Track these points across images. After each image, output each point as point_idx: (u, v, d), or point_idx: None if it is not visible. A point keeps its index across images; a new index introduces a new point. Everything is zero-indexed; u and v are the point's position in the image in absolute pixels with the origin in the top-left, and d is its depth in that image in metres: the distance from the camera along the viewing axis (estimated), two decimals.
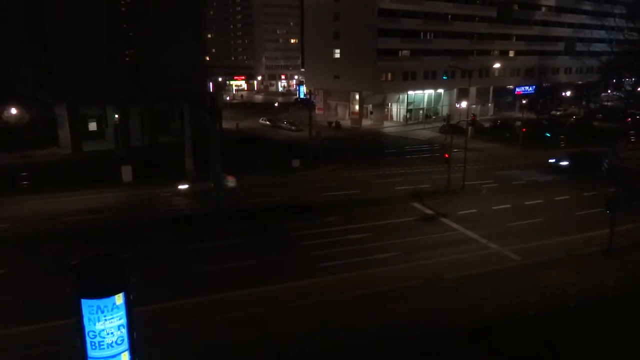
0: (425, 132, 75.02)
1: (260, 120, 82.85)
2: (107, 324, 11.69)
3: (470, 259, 27.98)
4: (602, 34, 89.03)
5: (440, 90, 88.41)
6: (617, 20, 79.75)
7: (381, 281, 24.98)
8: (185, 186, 41.45)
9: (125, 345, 12.06)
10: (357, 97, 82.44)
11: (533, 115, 77.08)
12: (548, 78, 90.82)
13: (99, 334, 11.71)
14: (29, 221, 34.14)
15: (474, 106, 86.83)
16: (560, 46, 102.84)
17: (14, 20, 66.57)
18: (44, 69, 58.92)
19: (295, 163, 50.00)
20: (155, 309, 20.59)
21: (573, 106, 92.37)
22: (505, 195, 40.98)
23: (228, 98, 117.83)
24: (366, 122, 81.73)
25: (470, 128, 70.44)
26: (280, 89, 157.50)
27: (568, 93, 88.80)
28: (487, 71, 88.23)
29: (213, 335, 19.97)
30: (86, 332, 11.72)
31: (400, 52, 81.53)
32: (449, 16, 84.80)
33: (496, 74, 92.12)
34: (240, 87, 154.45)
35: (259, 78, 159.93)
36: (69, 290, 11.47)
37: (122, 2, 59.92)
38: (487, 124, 78.77)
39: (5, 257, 27.60)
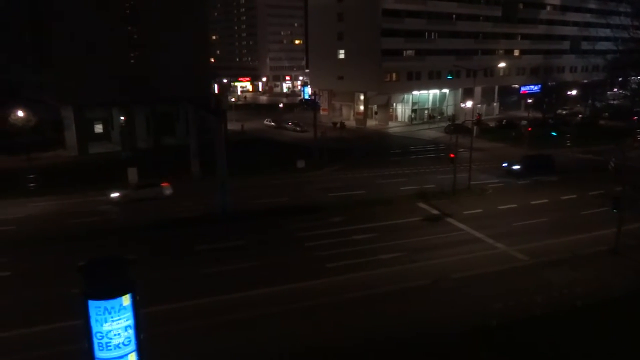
0: (430, 132, 74.90)
1: (265, 122, 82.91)
2: (114, 325, 11.73)
3: (476, 259, 27.90)
4: (607, 32, 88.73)
5: (445, 90, 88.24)
6: (622, 19, 79.49)
7: (387, 281, 24.95)
8: (117, 194, 38.95)
9: (133, 346, 12.10)
10: (362, 97, 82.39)
11: (539, 115, 76.79)
12: (553, 77, 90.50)
13: (106, 335, 11.75)
14: (35, 223, 34.37)
15: (479, 106, 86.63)
16: (566, 45, 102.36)
17: (17, 24, 67.03)
18: (49, 71, 59.19)
19: (300, 164, 50.03)
20: (161, 310, 20.66)
21: (579, 105, 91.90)
22: (511, 194, 40.86)
23: (233, 99, 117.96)
24: (371, 123, 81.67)
25: (475, 128, 70.28)
26: (285, 90, 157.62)
27: (574, 92, 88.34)
28: (492, 70, 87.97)
29: (220, 336, 20.00)
30: (93, 333, 11.76)
31: (404, 52, 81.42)
32: (453, 16, 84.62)
33: (501, 73, 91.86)
34: (245, 89, 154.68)
35: (264, 79, 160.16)
36: (75, 292, 11.53)
37: (127, 4, 60.06)
38: (492, 124, 78.57)
39: (11, 259, 27.78)
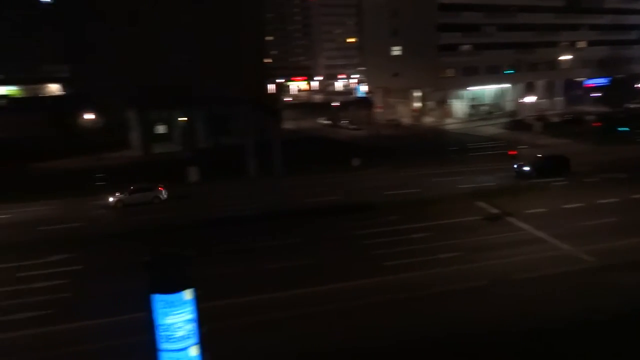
0: (488, 129, 72.75)
1: (320, 120, 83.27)
2: (176, 318, 12.17)
3: (538, 260, 26.83)
4: None
5: (504, 85, 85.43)
6: None
7: (444, 281, 24.47)
8: (112, 199, 38.77)
9: (194, 339, 12.50)
10: (418, 94, 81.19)
11: (606, 109, 72.96)
12: (622, 69, 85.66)
13: (169, 327, 12.20)
14: (103, 220, 36.19)
15: (542, 100, 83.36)
16: (635, 35, 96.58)
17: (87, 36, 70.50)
18: (116, 77, 62.13)
19: (355, 162, 49.94)
20: (221, 305, 21.19)
21: None
22: (577, 193, 39.00)
23: (287, 99, 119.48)
24: (427, 120, 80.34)
25: (537, 123, 67.86)
26: (339, 88, 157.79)
27: None
28: (554, 64, 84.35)
29: (279, 332, 20.27)
30: (157, 325, 12.25)
31: (461, 47, 79.52)
32: (513, 8, 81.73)
33: (565, 67, 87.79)
34: (299, 88, 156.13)
35: (318, 78, 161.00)
36: (140, 286, 12.03)
37: (186, 9, 62.09)
38: (555, 119, 75.26)
39: (83, 254, 29.32)
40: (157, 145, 61.97)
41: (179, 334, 12.22)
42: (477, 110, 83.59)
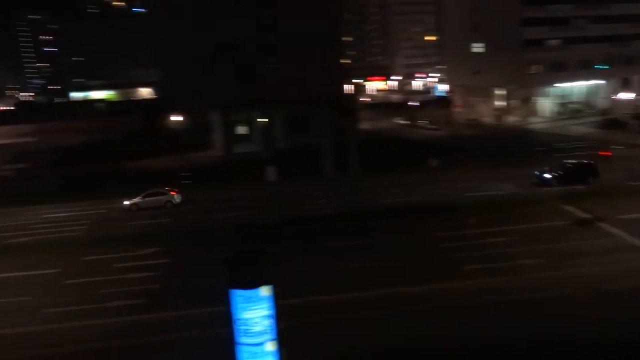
0: (578, 128, 68.44)
1: (397, 120, 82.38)
2: (253, 313, 12.52)
3: (631, 269, 24.87)
4: None
5: (596, 81, 79.95)
6: None
7: (526, 288, 23.30)
8: (127, 202, 40.36)
9: (271, 334, 12.80)
10: (500, 92, 78.05)
11: None
12: None
13: (247, 322, 12.58)
14: (188, 216, 38.01)
15: (639, 97, 77.24)
16: None
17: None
18: (200, 80, 65.15)
19: (434, 162, 48.86)
20: (297, 303, 21.51)
21: None
22: None
23: (364, 99, 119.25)
24: (510, 119, 76.98)
25: (634, 122, 62.95)
26: (417, 87, 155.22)
27: None
28: None
29: (353, 332, 20.28)
30: (236, 319, 12.68)
31: (547, 41, 75.42)
32: None
33: None
34: (377, 88, 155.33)
35: (396, 77, 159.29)
36: (220, 281, 12.51)
37: (269, 12, 63.71)
38: None
39: (169, 248, 31.01)
40: (238, 145, 64.16)
41: (257, 328, 12.56)
42: (566, 108, 78.88)
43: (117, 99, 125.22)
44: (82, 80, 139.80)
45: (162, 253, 30.30)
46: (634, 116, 66.27)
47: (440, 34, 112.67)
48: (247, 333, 12.61)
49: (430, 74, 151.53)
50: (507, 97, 77.55)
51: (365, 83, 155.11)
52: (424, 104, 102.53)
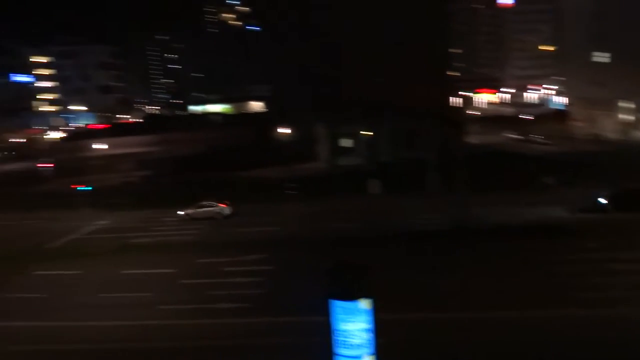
0: None
1: (508, 134, 78.68)
2: (352, 325, 12.57)
3: None
4: None
5: None
6: None
7: None
8: (182, 212, 43.12)
9: (369, 348, 12.76)
10: (627, 105, 71.48)
11: None
12: None
13: (346, 334, 12.66)
14: (293, 225, 39.22)
15: None
16: None
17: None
18: (308, 94, 67.52)
19: (548, 180, 45.93)
20: (398, 319, 21.20)
21: None
22: None
23: (473, 112, 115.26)
24: (638, 134, 70.14)
25: None
26: (530, 100, 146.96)
27: None
28: None
29: (448, 353, 19.60)
30: (335, 330, 12.82)
31: None
32: None
33: None
34: (487, 101, 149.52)
35: (507, 90, 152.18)
36: (323, 290, 12.74)
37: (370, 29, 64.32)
38: None
39: (275, 255, 32.17)
40: (342, 157, 65.02)
41: (355, 341, 12.59)
42: None
43: (231, 112, 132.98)
44: (201, 95, 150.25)
45: (267, 260, 31.49)
46: None
47: (557, 43, 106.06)
48: (345, 345, 12.68)
49: (544, 86, 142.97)
50: (635, 111, 70.80)
51: (474, 95, 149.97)
52: (539, 118, 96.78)
